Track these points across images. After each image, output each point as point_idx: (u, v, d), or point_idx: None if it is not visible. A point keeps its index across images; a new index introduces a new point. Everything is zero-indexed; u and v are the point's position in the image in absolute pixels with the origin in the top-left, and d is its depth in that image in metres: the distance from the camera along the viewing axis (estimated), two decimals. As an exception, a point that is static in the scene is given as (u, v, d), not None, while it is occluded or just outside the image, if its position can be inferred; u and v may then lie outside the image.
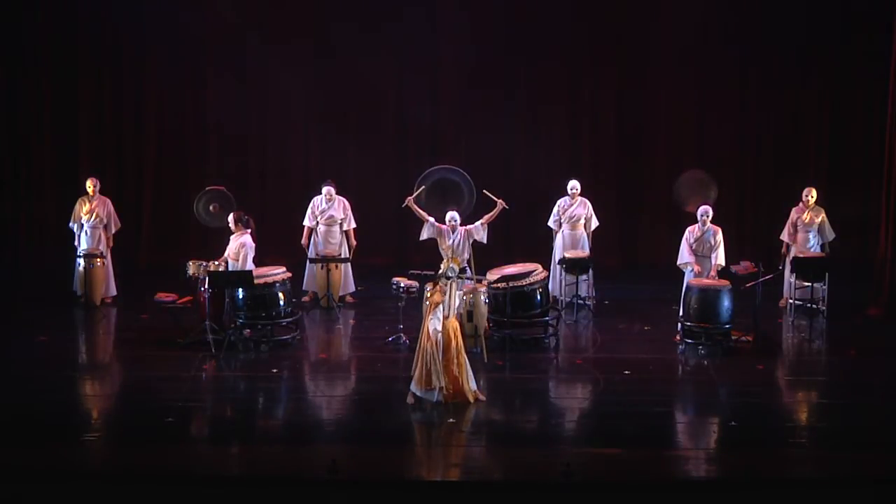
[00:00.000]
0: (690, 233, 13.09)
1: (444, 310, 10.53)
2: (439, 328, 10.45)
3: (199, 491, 8.83)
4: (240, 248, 12.66)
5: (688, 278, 12.90)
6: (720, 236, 13.00)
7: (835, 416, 10.55)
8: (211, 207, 13.49)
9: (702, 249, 13.00)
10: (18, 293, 14.85)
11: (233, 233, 12.82)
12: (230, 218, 12.89)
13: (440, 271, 10.96)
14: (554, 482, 8.82)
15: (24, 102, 16.70)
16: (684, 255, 13.08)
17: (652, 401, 10.73)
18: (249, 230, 12.80)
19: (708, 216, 13.01)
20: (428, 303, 10.76)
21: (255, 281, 12.41)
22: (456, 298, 10.79)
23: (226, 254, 12.81)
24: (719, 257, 12.98)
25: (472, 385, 10.65)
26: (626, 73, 16.77)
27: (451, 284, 10.74)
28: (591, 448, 9.80)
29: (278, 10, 16.61)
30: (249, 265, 12.63)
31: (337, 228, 14.44)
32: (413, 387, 10.57)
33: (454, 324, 10.62)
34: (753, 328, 12.58)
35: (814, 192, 14.08)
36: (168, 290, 13.01)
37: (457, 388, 10.51)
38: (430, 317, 10.53)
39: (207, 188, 13.90)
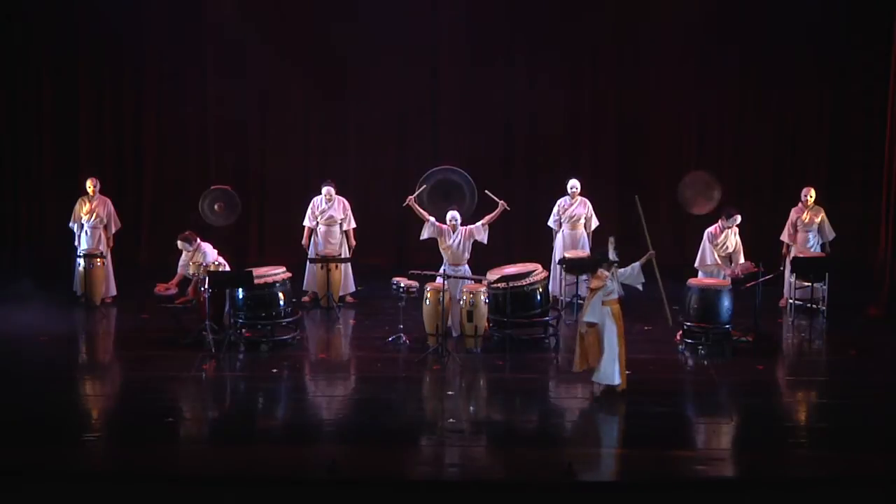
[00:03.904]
0: (714, 236, 13.12)
1: (604, 294, 10.69)
2: (595, 320, 10.63)
3: (199, 491, 8.83)
4: (216, 262, 12.78)
5: (702, 277, 12.97)
6: (737, 237, 13.06)
7: (835, 416, 10.55)
8: (216, 206, 13.50)
9: (722, 251, 13.06)
10: (18, 293, 14.83)
11: (188, 251, 12.85)
12: (181, 242, 12.84)
13: (609, 255, 10.92)
14: (554, 482, 8.82)
15: (24, 103, 16.71)
16: (706, 259, 13.12)
17: (652, 401, 10.73)
18: (199, 239, 12.91)
19: (735, 223, 13.03)
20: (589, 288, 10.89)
21: (255, 281, 12.42)
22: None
23: (191, 272, 12.79)
24: (741, 257, 13.02)
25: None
26: (627, 73, 16.77)
27: (614, 267, 10.79)
28: (591, 448, 9.81)
29: (278, 10, 16.62)
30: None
31: (337, 228, 14.44)
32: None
33: (617, 308, 10.81)
34: (753, 328, 12.58)
35: (813, 192, 14.09)
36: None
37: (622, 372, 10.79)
38: (590, 303, 10.71)
39: (212, 187, 13.92)
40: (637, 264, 10.97)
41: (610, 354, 10.69)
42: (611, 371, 10.71)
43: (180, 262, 12.94)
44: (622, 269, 10.89)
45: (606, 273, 10.75)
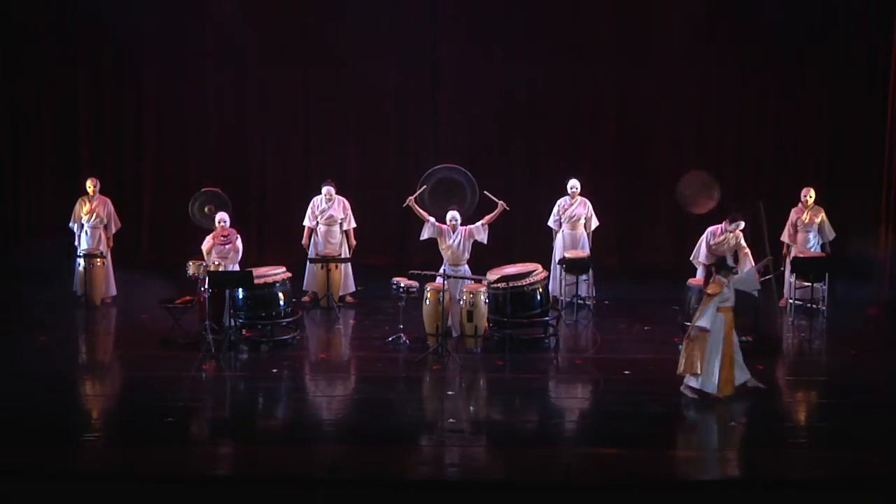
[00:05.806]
0: (714, 235, 13.10)
1: (721, 301, 10.59)
2: (707, 326, 10.49)
3: (199, 491, 8.83)
4: (216, 262, 12.80)
5: (701, 277, 12.95)
6: (742, 241, 13.00)
7: (835, 416, 10.55)
8: (206, 209, 13.50)
9: (720, 251, 13.05)
10: (18, 293, 14.83)
11: (225, 226, 12.91)
12: (222, 214, 12.91)
13: (727, 262, 10.87)
14: (554, 482, 8.82)
15: (24, 102, 16.71)
16: (700, 256, 13.12)
17: (652, 401, 10.73)
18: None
19: (738, 228, 13.00)
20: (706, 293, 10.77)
21: (255, 281, 12.41)
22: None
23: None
24: (750, 261, 12.93)
25: (742, 376, 10.75)
26: (627, 74, 16.78)
27: (731, 275, 10.74)
28: (591, 448, 9.81)
29: (278, 9, 16.62)
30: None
31: (337, 228, 14.44)
32: (687, 378, 10.69)
33: (731, 316, 10.71)
34: (753, 328, 12.58)
35: (812, 193, 14.09)
36: (168, 291, 13.07)
37: (726, 379, 10.64)
38: (706, 308, 10.58)
39: (203, 189, 13.93)
40: (752, 268, 10.97)
41: (711, 363, 10.60)
42: (714, 379, 10.63)
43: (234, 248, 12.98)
44: (737, 275, 10.89)
45: (724, 280, 10.68)
